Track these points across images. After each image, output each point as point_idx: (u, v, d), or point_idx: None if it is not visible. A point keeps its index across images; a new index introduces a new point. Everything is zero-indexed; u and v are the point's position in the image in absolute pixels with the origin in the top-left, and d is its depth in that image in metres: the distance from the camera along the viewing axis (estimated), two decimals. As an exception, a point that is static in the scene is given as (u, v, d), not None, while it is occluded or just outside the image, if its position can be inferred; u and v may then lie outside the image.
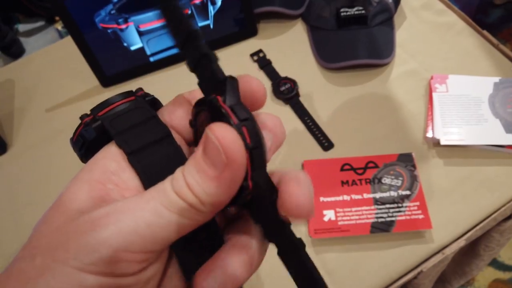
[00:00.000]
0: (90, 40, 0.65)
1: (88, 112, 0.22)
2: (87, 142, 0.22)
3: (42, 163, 0.66)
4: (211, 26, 0.70)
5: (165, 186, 0.18)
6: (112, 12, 0.64)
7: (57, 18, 1.91)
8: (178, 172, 0.19)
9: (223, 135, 0.17)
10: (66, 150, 0.66)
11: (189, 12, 0.67)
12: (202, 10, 0.68)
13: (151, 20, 0.66)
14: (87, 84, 0.72)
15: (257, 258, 0.21)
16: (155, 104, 0.24)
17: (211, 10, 0.68)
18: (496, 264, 1.21)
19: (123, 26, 0.65)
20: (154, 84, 0.71)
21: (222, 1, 0.68)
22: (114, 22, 0.64)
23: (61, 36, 1.92)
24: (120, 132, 0.21)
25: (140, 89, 0.24)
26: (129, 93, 0.23)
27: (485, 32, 0.69)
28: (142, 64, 0.71)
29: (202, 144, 0.18)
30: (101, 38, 0.66)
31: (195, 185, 0.18)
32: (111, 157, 0.20)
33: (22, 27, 1.91)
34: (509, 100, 0.61)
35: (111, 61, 0.69)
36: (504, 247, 0.73)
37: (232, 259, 0.20)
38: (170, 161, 0.20)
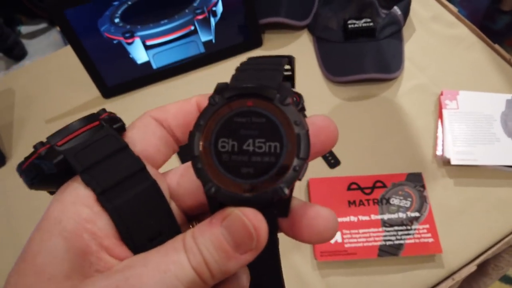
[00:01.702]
0: (91, 50, 0.64)
1: (44, 140, 0.20)
2: (42, 175, 0.19)
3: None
4: (213, 41, 0.69)
5: (181, 258, 0.17)
6: (116, 21, 0.62)
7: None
8: (190, 240, 0.17)
9: (259, 225, 0.17)
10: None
11: (192, 28, 0.66)
12: (205, 24, 0.66)
13: (158, 35, 0.65)
14: (88, 95, 0.71)
15: None
16: (123, 128, 0.22)
17: (213, 23, 0.66)
18: (502, 278, 1.19)
19: (130, 41, 0.63)
20: (157, 95, 0.70)
21: (223, 12, 0.66)
22: (120, 34, 0.63)
23: (63, 38, 1.91)
24: (87, 168, 0.18)
25: (104, 110, 0.21)
26: (92, 117, 0.20)
27: (496, 46, 0.67)
28: (146, 75, 0.69)
29: (226, 223, 0.17)
30: (104, 48, 0.64)
31: (212, 262, 0.17)
32: (81, 202, 0.18)
33: (24, 29, 1.90)
34: (522, 118, 0.59)
35: (113, 72, 0.68)
36: (513, 266, 0.71)
37: None
38: (146, 199, 0.19)
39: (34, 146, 0.19)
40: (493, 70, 0.66)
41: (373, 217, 0.55)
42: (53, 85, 0.73)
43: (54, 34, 1.99)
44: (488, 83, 0.65)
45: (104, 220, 0.18)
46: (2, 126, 0.70)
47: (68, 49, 0.76)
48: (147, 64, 0.68)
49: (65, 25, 0.60)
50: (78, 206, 0.18)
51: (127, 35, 0.63)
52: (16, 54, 1.73)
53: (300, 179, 0.18)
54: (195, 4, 0.64)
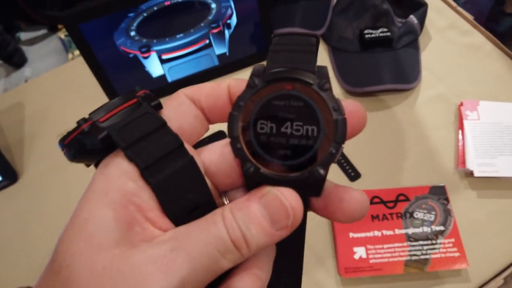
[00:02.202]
0: (104, 63, 0.63)
1: (87, 117, 0.20)
2: (84, 150, 0.20)
3: (55, 192, 0.63)
4: (227, 53, 0.68)
5: (221, 231, 0.18)
6: (132, 34, 0.61)
7: (60, 26, 1.88)
8: (229, 215, 0.18)
9: (296, 205, 0.18)
10: (81, 178, 0.64)
11: (207, 41, 0.65)
12: (220, 37, 0.65)
13: (174, 49, 0.64)
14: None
15: (267, 278, 0.21)
16: (159, 106, 0.22)
17: (227, 36, 0.65)
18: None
19: (146, 55, 0.62)
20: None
21: (237, 24, 0.65)
22: (137, 49, 0.62)
23: (64, 44, 1.90)
24: (130, 144, 0.19)
25: (140, 88, 0.22)
26: (130, 95, 0.21)
27: (514, 54, 0.67)
28: (159, 88, 0.68)
29: (264, 201, 0.18)
30: (118, 61, 0.63)
31: (250, 237, 0.18)
32: (127, 176, 0.19)
33: (24, 35, 1.88)
34: (545, 129, 0.58)
35: (126, 84, 0.67)
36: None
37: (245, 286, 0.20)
38: (185, 174, 0.20)
39: (78, 122, 0.20)
40: (512, 78, 0.65)
41: (397, 231, 0.54)
42: (63, 98, 0.72)
43: (55, 41, 1.97)
44: (508, 92, 0.64)
45: (147, 193, 0.19)
46: (13, 142, 0.68)
47: (76, 62, 0.75)
48: (162, 77, 0.67)
49: (80, 39, 0.59)
50: (123, 179, 0.19)
51: (143, 49, 0.63)
52: (16, 61, 1.71)
53: (335, 162, 0.19)
54: (210, 18, 0.63)
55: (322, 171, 0.19)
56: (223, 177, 0.22)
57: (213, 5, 0.62)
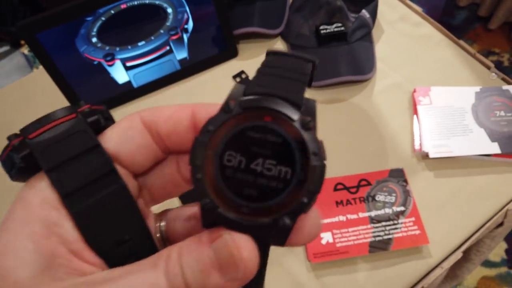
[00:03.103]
0: (67, 71, 0.63)
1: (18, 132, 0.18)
2: (16, 168, 0.18)
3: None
4: (188, 57, 0.69)
5: (159, 278, 0.16)
6: (94, 40, 0.62)
7: (22, 41, 1.85)
8: (175, 259, 0.16)
9: (248, 257, 0.16)
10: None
11: (168, 48, 0.66)
12: (179, 43, 0.67)
13: (137, 57, 0.65)
14: (64, 117, 0.69)
15: None
16: (99, 123, 0.20)
17: (186, 40, 0.67)
18: (483, 262, 1.24)
19: (111, 63, 0.64)
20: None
21: (195, 27, 0.66)
22: (102, 57, 0.63)
23: (28, 60, 1.86)
24: (55, 166, 0.17)
25: (85, 102, 0.20)
26: (71, 109, 0.19)
27: (461, 42, 0.71)
28: (124, 93, 0.69)
29: (215, 245, 0.16)
30: (82, 68, 0.64)
31: (193, 285, 0.16)
32: (49, 204, 0.17)
33: (-14, 53, 1.84)
34: (491, 108, 0.62)
35: (91, 91, 0.67)
36: (494, 250, 0.74)
37: None
38: (113, 202, 0.18)
39: (8, 138, 0.18)
40: (461, 65, 0.69)
41: (361, 215, 0.57)
42: (27, 110, 0.71)
43: (18, 57, 1.94)
44: (458, 78, 0.68)
45: (71, 223, 0.17)
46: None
47: (39, 72, 0.74)
48: (128, 83, 0.68)
49: (39, 49, 0.59)
50: (45, 207, 0.17)
51: (108, 58, 0.63)
52: (-20, 79, 1.68)
53: (306, 213, 0.17)
54: (168, 24, 0.64)
55: (288, 222, 0.16)
56: (163, 195, 0.21)
57: (169, 10, 0.63)
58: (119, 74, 0.66)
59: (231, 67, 0.73)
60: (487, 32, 1.69)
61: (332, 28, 0.70)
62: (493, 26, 1.63)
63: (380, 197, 0.58)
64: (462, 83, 0.67)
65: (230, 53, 0.73)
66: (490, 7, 1.62)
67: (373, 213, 0.57)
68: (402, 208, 0.57)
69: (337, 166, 0.62)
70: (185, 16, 0.64)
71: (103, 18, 0.61)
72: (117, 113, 0.70)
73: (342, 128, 0.65)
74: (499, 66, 1.57)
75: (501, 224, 0.60)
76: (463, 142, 0.60)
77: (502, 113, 0.61)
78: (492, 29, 1.67)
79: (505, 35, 1.67)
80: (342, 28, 0.69)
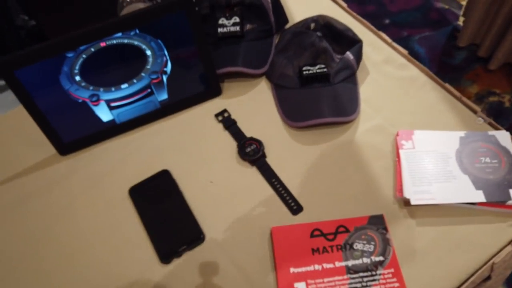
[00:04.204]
0: (50, 107, 0.63)
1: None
2: None
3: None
4: (167, 98, 0.69)
5: None
6: (77, 79, 0.62)
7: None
8: None
9: None
10: (22, 225, 0.62)
11: (149, 90, 0.67)
12: (160, 85, 0.68)
13: (121, 99, 0.67)
14: (44, 153, 0.69)
15: None
16: None
17: (165, 81, 0.67)
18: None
19: (96, 103, 0.65)
20: (116, 149, 0.69)
21: (176, 65, 0.67)
22: (87, 96, 0.64)
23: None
24: None
25: None
26: None
27: (447, 85, 0.70)
28: (108, 128, 0.69)
29: None
30: (64, 105, 0.64)
31: None
32: None
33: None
34: (476, 155, 0.60)
35: (71, 128, 0.67)
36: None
37: None
38: None
39: None
40: (446, 108, 0.68)
41: (338, 264, 0.54)
42: (8, 144, 0.71)
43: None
44: (442, 121, 0.66)
45: None
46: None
47: (20, 109, 0.75)
48: (112, 121, 0.69)
49: (16, 86, 0.59)
50: None
51: (93, 98, 0.65)
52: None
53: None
54: (148, 67, 0.65)
55: None
56: None
57: (148, 52, 0.64)
58: (104, 113, 0.67)
59: (214, 105, 0.73)
60: (487, 73, 1.68)
61: (315, 69, 0.69)
62: (493, 67, 1.63)
63: (358, 246, 0.55)
64: (447, 127, 0.65)
65: (213, 92, 0.73)
66: (490, 48, 1.62)
67: (350, 263, 0.54)
68: (381, 258, 0.54)
69: (315, 210, 0.60)
70: (164, 59, 0.65)
71: (84, 56, 0.62)
72: (100, 148, 0.69)
73: (324, 170, 0.63)
74: (499, 106, 1.56)
75: (488, 278, 0.56)
76: (447, 189, 0.57)
77: (488, 160, 0.59)
78: (493, 70, 1.66)
79: (506, 76, 1.66)
80: (325, 70, 0.69)
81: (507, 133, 0.61)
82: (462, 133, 0.63)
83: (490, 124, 0.65)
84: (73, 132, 0.68)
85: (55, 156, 0.69)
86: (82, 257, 0.58)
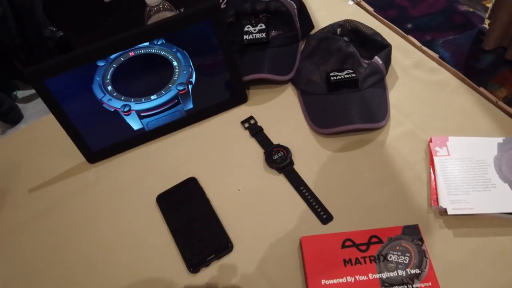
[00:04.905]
0: (80, 116, 0.64)
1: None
2: None
3: (25, 247, 0.61)
4: (193, 107, 0.69)
5: None
6: (109, 88, 0.63)
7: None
8: None
9: None
10: (51, 232, 0.63)
11: (176, 101, 0.68)
12: (186, 96, 0.68)
13: (150, 109, 0.67)
14: (73, 161, 0.70)
15: None
16: None
17: (190, 91, 0.68)
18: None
19: (127, 113, 0.66)
20: (144, 157, 0.69)
21: (196, 78, 0.67)
22: (119, 106, 0.65)
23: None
24: None
25: None
26: None
27: (481, 89, 0.67)
28: (137, 136, 0.69)
29: None
30: (96, 113, 0.65)
31: None
32: None
33: (20, 93, 1.93)
34: (515, 162, 0.57)
35: (99, 135, 0.67)
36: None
37: None
38: None
39: None
40: (481, 113, 0.65)
41: (371, 276, 0.52)
42: (36, 152, 0.72)
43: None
44: (477, 127, 0.64)
45: None
46: (-16, 197, 0.68)
47: (51, 117, 0.76)
48: (141, 129, 0.69)
49: (44, 94, 0.60)
50: None
51: (126, 109, 0.66)
52: (12, 118, 1.75)
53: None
54: (175, 78, 0.66)
55: None
56: None
57: (175, 63, 0.65)
58: (134, 122, 0.68)
59: (240, 112, 0.72)
60: (515, 76, 1.63)
61: (342, 74, 0.68)
62: (522, 70, 1.58)
63: (392, 257, 0.53)
64: (483, 133, 0.63)
65: (239, 99, 0.72)
66: (518, 50, 1.57)
67: (384, 275, 0.52)
68: (417, 271, 0.52)
69: (345, 220, 0.58)
70: (190, 69, 0.66)
71: (114, 65, 0.62)
72: (127, 156, 0.69)
73: (353, 178, 0.61)
74: (530, 110, 1.50)
75: (532, 292, 0.53)
76: (485, 198, 0.55)
77: (528, 167, 0.56)
78: (521, 73, 1.61)
79: (535, 79, 1.60)
80: (353, 75, 0.67)
81: (549, 139, 0.58)
82: (500, 139, 0.60)
83: (529, 129, 0.62)
84: (102, 140, 0.68)
85: (84, 163, 0.69)
86: (109, 265, 0.58)
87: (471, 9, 1.83)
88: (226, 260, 0.56)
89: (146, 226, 0.61)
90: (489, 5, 1.62)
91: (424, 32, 1.77)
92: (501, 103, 0.65)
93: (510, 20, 1.51)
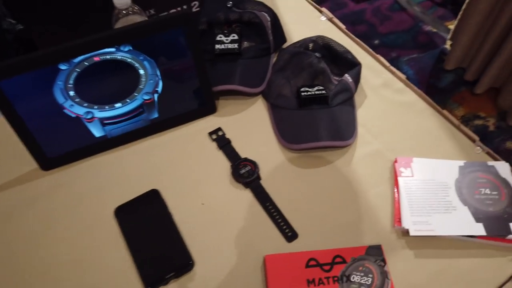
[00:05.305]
0: (29, 120, 0.59)
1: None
2: None
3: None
4: (158, 116, 0.67)
5: None
6: (71, 93, 0.60)
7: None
8: None
9: None
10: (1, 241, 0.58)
11: (142, 110, 0.65)
12: (151, 105, 0.66)
13: (114, 118, 0.64)
14: (25, 167, 0.65)
15: None
16: None
17: (156, 100, 0.65)
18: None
19: (90, 121, 0.63)
20: (107, 165, 0.65)
21: (163, 87, 0.65)
22: (82, 113, 0.62)
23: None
24: None
25: None
26: None
27: (445, 112, 0.69)
28: (99, 143, 0.66)
29: None
30: (55, 118, 0.61)
31: None
32: None
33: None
34: (475, 185, 0.59)
35: (55, 141, 0.63)
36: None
37: None
38: None
39: None
40: (445, 136, 0.67)
41: (334, 297, 0.52)
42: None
43: None
44: (441, 149, 0.65)
45: None
46: None
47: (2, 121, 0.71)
48: (103, 136, 0.66)
49: (-1, 95, 0.55)
50: None
51: (89, 116, 0.62)
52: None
53: None
54: (141, 87, 0.63)
55: None
56: None
57: (141, 72, 0.62)
58: (97, 129, 0.65)
59: (208, 123, 0.70)
60: (473, 96, 1.71)
61: (313, 90, 0.68)
62: (479, 91, 1.66)
63: (355, 278, 0.53)
64: (445, 155, 0.64)
65: (208, 109, 0.71)
66: (476, 72, 1.65)
67: (347, 296, 0.51)
68: (379, 292, 0.52)
69: (310, 238, 0.57)
70: (157, 79, 0.63)
71: (78, 70, 0.59)
72: (86, 164, 0.66)
73: (320, 195, 0.61)
74: (484, 130, 1.58)
75: (487, 314, 0.55)
76: (446, 220, 0.56)
77: (488, 191, 0.58)
78: (478, 94, 1.69)
79: (491, 100, 1.69)
80: (324, 92, 0.67)
81: (507, 164, 0.61)
82: (461, 162, 0.62)
83: (488, 153, 0.64)
84: (59, 146, 0.64)
85: (37, 171, 0.65)
86: (61, 281, 0.54)
87: (434, 30, 1.90)
88: (186, 278, 0.54)
89: (102, 240, 0.57)
90: (452, 27, 1.70)
91: (390, 49, 1.83)
92: (463, 127, 0.67)
93: (470, 43, 1.59)
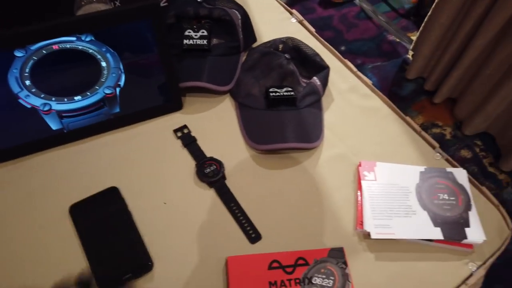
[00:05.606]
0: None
1: None
2: None
3: None
4: (119, 110, 0.64)
5: None
6: (28, 83, 0.56)
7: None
8: None
9: None
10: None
11: (102, 104, 0.62)
12: (113, 99, 0.63)
13: (73, 111, 0.61)
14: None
15: None
16: None
17: (118, 94, 0.63)
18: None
19: (47, 113, 0.59)
20: (63, 160, 0.62)
21: (125, 81, 0.62)
22: (38, 104, 0.58)
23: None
24: None
25: None
26: None
27: (408, 118, 0.71)
28: (55, 136, 0.62)
29: None
30: (8, 107, 0.57)
31: None
32: None
33: None
34: (434, 191, 0.61)
35: (6, 133, 0.59)
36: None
37: None
38: None
39: None
40: (407, 141, 0.69)
41: (296, 299, 0.51)
42: None
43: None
44: (404, 154, 0.67)
45: None
46: None
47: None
48: (60, 129, 0.62)
49: None
50: None
51: (46, 108, 0.59)
52: None
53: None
54: (103, 80, 0.60)
55: None
56: None
57: (103, 64, 0.59)
58: (53, 122, 0.61)
59: (173, 120, 0.68)
60: (432, 105, 1.78)
61: (282, 91, 0.67)
62: (438, 101, 1.73)
63: (317, 280, 0.53)
64: (407, 160, 0.66)
65: (173, 106, 0.69)
66: (436, 82, 1.72)
67: (309, 298, 0.51)
68: (340, 294, 0.52)
69: (274, 239, 0.57)
70: (119, 72, 0.61)
71: (35, 58, 0.55)
72: (41, 158, 0.62)
73: (285, 197, 0.61)
74: (441, 138, 1.65)
75: (442, 316, 0.56)
76: (406, 224, 0.57)
77: (446, 196, 0.60)
78: (437, 103, 1.76)
79: (448, 110, 1.77)
80: (292, 93, 0.67)
81: (464, 171, 0.63)
82: (422, 168, 0.63)
83: (447, 160, 0.67)
84: (10, 138, 0.60)
85: (-16, 163, 0.60)
86: (10, 282, 0.50)
87: (398, 40, 1.97)
88: (144, 280, 0.52)
89: (56, 239, 0.54)
90: (414, 38, 1.76)
91: (355, 56, 1.87)
92: (424, 134, 0.69)
93: (430, 54, 1.66)
